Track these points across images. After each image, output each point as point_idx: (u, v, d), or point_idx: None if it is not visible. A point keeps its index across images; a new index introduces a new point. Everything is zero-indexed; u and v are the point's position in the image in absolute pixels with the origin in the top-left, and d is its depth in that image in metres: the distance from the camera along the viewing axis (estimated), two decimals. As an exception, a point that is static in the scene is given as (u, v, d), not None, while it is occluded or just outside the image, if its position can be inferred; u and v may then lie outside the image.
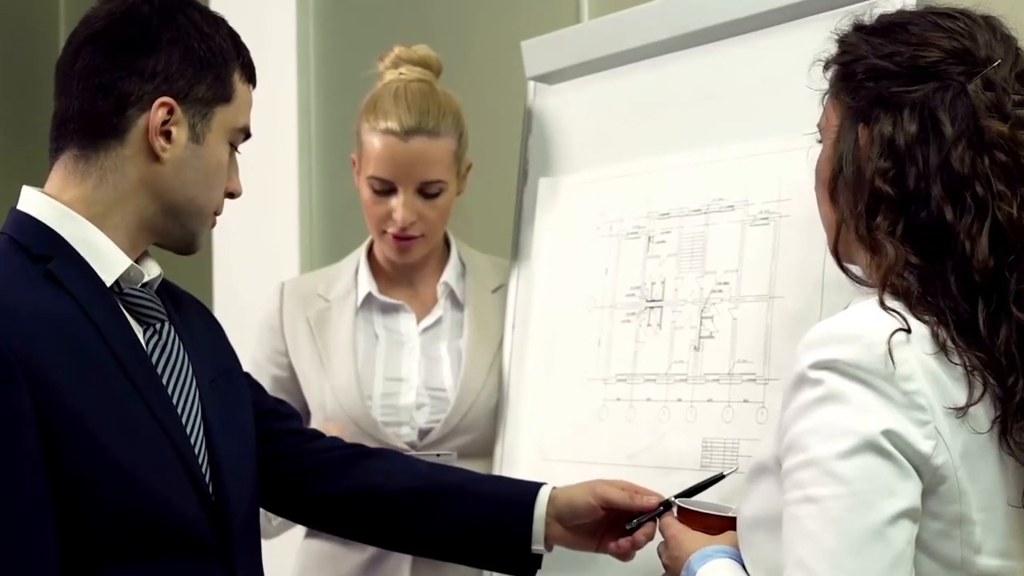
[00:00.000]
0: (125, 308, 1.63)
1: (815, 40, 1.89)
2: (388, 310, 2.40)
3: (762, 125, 1.98)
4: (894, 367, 1.34)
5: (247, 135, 1.73)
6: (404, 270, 2.40)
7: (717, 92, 2.06)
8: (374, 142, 2.27)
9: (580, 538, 1.92)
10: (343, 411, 2.30)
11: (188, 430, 1.63)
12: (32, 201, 1.63)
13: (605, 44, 2.24)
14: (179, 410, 1.63)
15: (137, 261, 1.66)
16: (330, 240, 3.51)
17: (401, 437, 2.30)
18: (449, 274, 2.41)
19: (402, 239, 2.31)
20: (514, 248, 2.39)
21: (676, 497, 1.81)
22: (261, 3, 3.45)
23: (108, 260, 1.61)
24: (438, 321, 2.40)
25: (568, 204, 2.29)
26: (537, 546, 1.91)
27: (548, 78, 2.36)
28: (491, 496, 1.95)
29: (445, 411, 2.32)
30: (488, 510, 1.93)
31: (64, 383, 1.50)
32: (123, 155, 1.63)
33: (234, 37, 1.71)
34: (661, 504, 1.83)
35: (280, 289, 2.46)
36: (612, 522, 1.89)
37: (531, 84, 2.40)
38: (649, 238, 2.11)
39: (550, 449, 2.20)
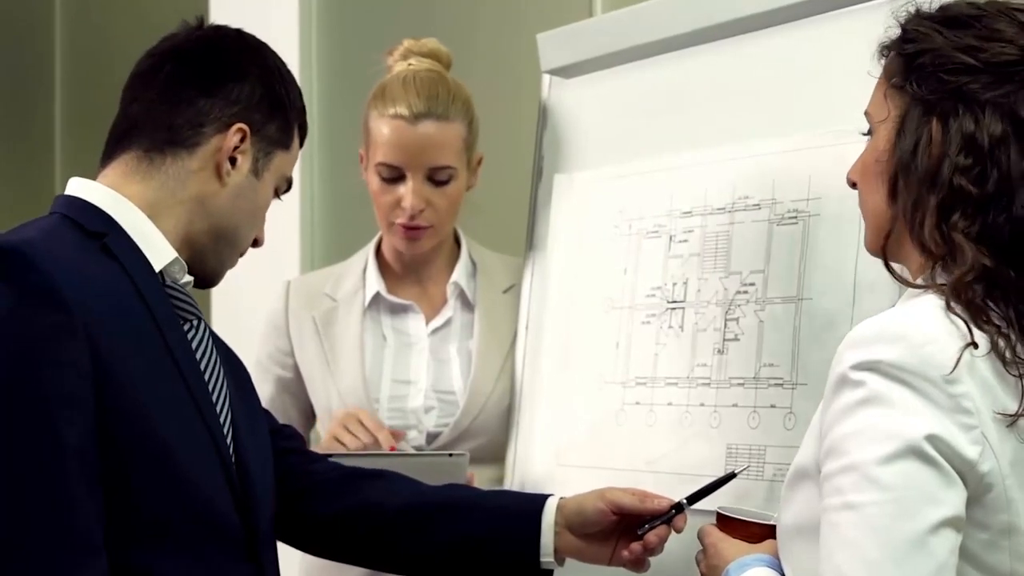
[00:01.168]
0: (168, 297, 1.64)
1: (845, 34, 1.86)
2: (396, 310, 2.33)
3: (789, 121, 1.92)
4: (940, 368, 1.29)
5: (288, 187, 1.77)
6: (413, 268, 2.33)
7: (742, 87, 2.00)
8: (382, 128, 2.21)
9: (592, 548, 1.84)
10: (349, 414, 2.24)
11: (221, 420, 1.62)
12: (84, 188, 1.64)
13: (624, 37, 2.18)
14: (214, 398, 1.63)
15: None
16: (332, 239, 3.45)
17: (409, 441, 2.23)
18: (459, 274, 2.34)
19: (411, 229, 2.24)
20: (528, 247, 2.32)
21: (687, 499, 1.77)
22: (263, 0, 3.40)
23: (157, 248, 1.63)
24: (448, 322, 2.33)
25: (584, 201, 2.22)
26: (547, 559, 1.83)
27: (564, 72, 2.29)
28: (495, 509, 1.88)
29: (454, 414, 2.26)
30: (492, 524, 1.86)
31: (119, 354, 1.50)
32: (189, 167, 1.65)
33: (301, 94, 1.77)
34: (673, 507, 1.78)
35: (286, 288, 2.39)
36: (624, 530, 1.82)
37: (546, 78, 2.33)
38: (670, 237, 2.05)
39: (566, 454, 2.13)
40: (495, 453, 2.27)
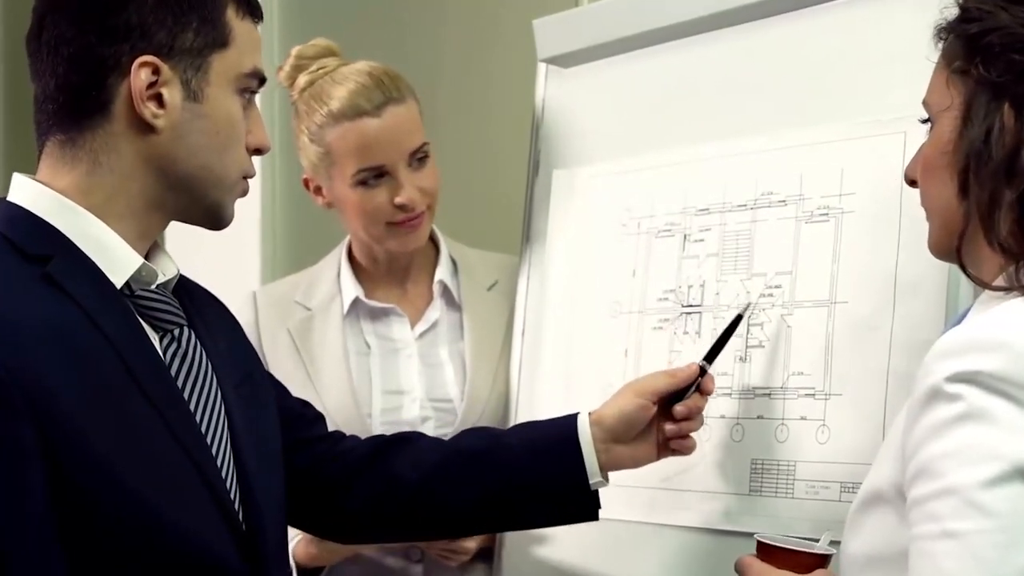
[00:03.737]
0: (138, 313, 1.42)
1: (880, 17, 1.73)
2: (378, 315, 2.18)
3: (818, 111, 1.79)
4: None
5: (261, 80, 1.49)
6: (392, 270, 2.18)
7: (764, 75, 1.86)
8: (346, 133, 2.04)
9: (639, 449, 1.75)
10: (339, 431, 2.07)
11: (214, 450, 1.41)
12: (24, 191, 1.42)
13: (629, 23, 2.03)
14: (203, 428, 1.41)
15: (149, 257, 1.46)
16: (295, 244, 3.27)
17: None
18: (443, 272, 2.19)
19: (412, 220, 2.08)
20: (524, 247, 2.17)
21: (705, 359, 1.73)
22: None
23: (117, 258, 1.40)
24: (434, 324, 2.18)
25: (587, 199, 2.08)
26: (595, 479, 1.73)
27: (562, 60, 2.14)
28: (527, 448, 1.76)
29: (452, 423, 2.11)
30: (529, 464, 1.74)
31: (73, 408, 1.28)
32: (112, 132, 1.41)
33: None
34: (699, 368, 1.73)
35: (252, 299, 2.22)
36: (658, 419, 1.75)
37: (542, 67, 2.18)
38: (685, 236, 1.90)
39: (571, 470, 1.98)
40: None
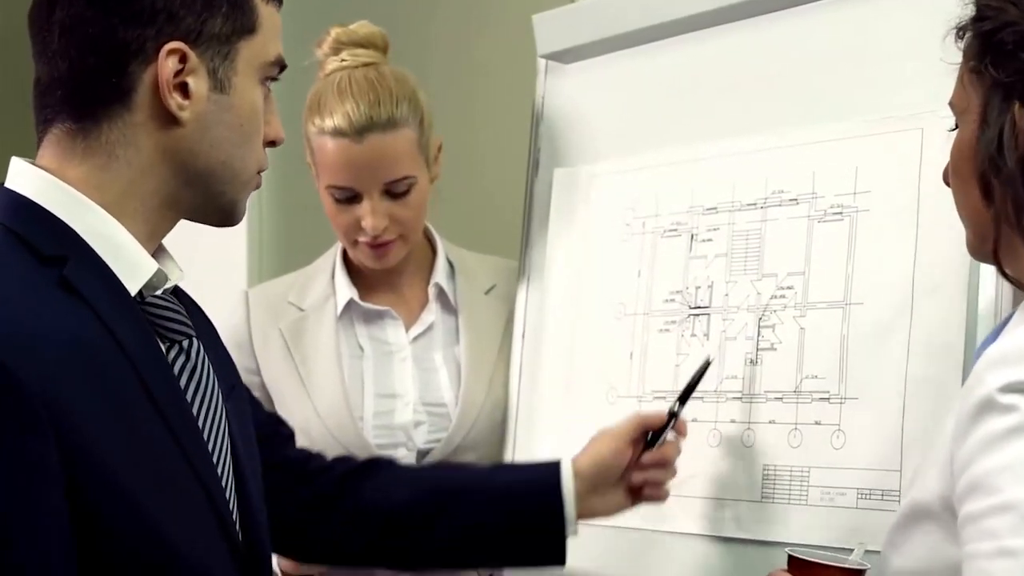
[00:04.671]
0: (148, 322, 1.31)
1: (893, 10, 1.68)
2: (372, 318, 2.12)
3: (831, 108, 1.74)
4: None
5: (282, 68, 1.39)
6: (386, 272, 2.12)
7: (773, 71, 1.81)
8: (326, 147, 1.98)
9: (612, 499, 1.74)
10: (331, 435, 2.01)
11: (219, 470, 1.33)
12: (28, 180, 1.28)
13: (632, 17, 1.98)
14: (210, 447, 1.32)
15: (155, 259, 1.35)
16: (283, 245, 3.21)
17: (398, 460, 2.02)
18: (439, 275, 2.14)
19: (377, 246, 2.03)
20: (524, 247, 2.11)
21: (679, 402, 1.72)
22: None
23: (132, 263, 1.28)
24: (430, 328, 2.13)
25: (589, 198, 2.03)
26: (571, 529, 1.72)
27: (562, 56, 2.09)
28: (504, 492, 1.74)
29: (446, 428, 2.05)
30: (505, 510, 1.72)
31: (92, 427, 1.18)
32: (132, 123, 1.28)
33: None
34: (670, 412, 1.73)
35: (244, 299, 2.16)
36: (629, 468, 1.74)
37: (541, 62, 2.13)
38: (692, 236, 1.86)
39: (574, 475, 1.93)
40: (489, 469, 2.08)
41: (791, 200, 1.75)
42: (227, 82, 1.31)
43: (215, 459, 1.32)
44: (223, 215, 1.37)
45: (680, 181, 1.89)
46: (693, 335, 1.83)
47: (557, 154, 2.10)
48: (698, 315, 1.82)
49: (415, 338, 2.11)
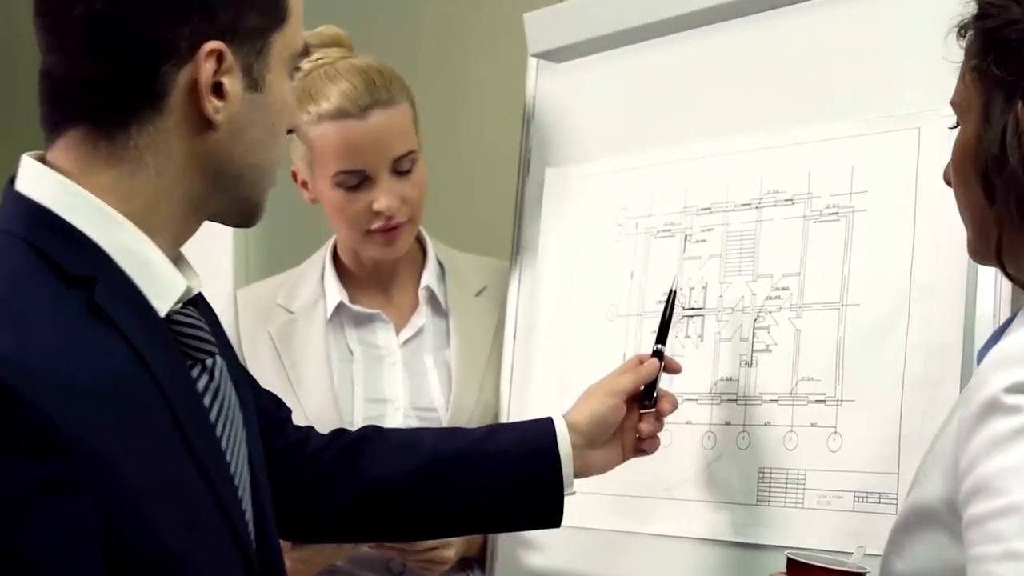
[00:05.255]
0: (175, 343, 1.24)
1: (893, 6, 1.67)
2: (362, 321, 2.10)
3: (826, 106, 1.72)
4: None
5: (306, 52, 1.32)
6: (377, 274, 2.10)
7: (768, 69, 1.79)
8: (327, 133, 1.96)
9: (607, 453, 1.71)
10: (320, 440, 1.99)
11: (239, 495, 1.26)
12: (49, 188, 1.18)
13: (625, 16, 1.96)
14: (231, 470, 1.25)
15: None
16: (268, 246, 3.18)
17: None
18: (429, 277, 2.12)
19: (390, 230, 2.00)
20: (515, 248, 2.09)
21: (657, 342, 1.72)
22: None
23: (162, 282, 1.20)
24: (420, 331, 2.10)
25: (581, 198, 2.01)
26: (569, 489, 1.68)
27: (554, 55, 2.07)
28: (501, 455, 1.69)
29: (437, 433, 2.02)
30: (508, 470, 1.68)
31: (129, 476, 1.10)
32: (163, 128, 1.19)
33: None
34: (658, 354, 1.72)
35: (232, 300, 2.13)
36: (625, 420, 1.71)
37: (532, 61, 2.11)
38: (686, 236, 1.84)
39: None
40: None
41: (786, 200, 1.73)
42: (261, 80, 1.23)
43: (238, 488, 1.26)
44: (247, 216, 1.30)
45: (673, 181, 1.87)
46: (687, 337, 1.81)
47: (548, 154, 2.08)
48: (692, 316, 1.81)
49: (405, 342, 2.09)
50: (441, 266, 2.15)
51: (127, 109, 1.18)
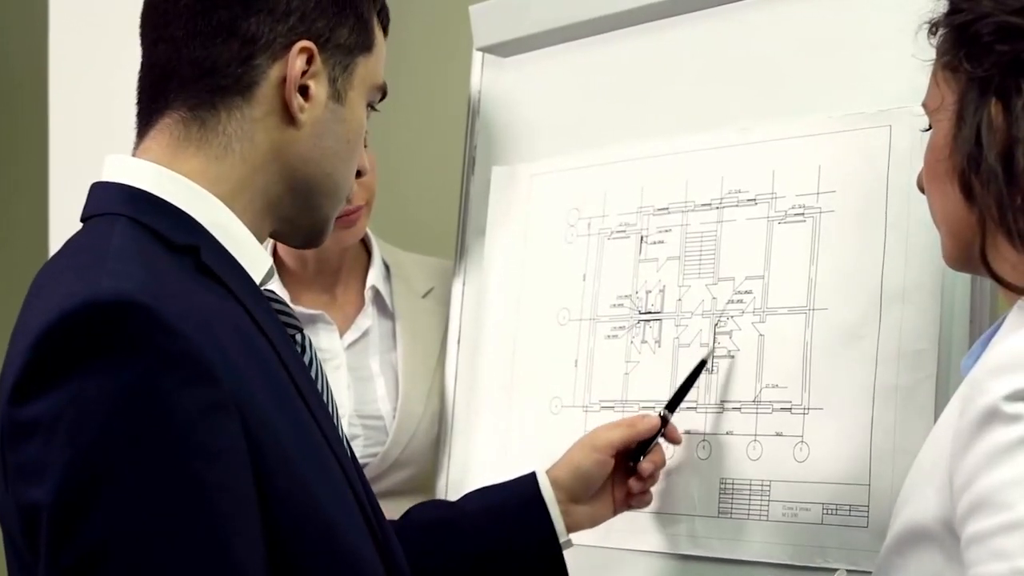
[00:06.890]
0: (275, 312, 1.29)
1: (862, 1, 1.61)
2: (304, 322, 1.99)
3: (791, 103, 1.66)
4: None
5: (383, 95, 1.37)
6: (320, 273, 2.02)
7: (728, 64, 1.73)
8: None
9: (595, 508, 1.64)
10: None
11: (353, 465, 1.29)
12: (143, 173, 1.24)
13: (575, 10, 1.88)
14: (340, 435, 1.29)
15: None
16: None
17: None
18: (375, 276, 2.03)
19: (349, 214, 1.93)
20: (459, 250, 2.01)
21: (667, 408, 1.62)
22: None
23: (253, 255, 1.26)
24: (366, 333, 2.03)
25: (529, 198, 1.93)
26: (563, 539, 1.60)
27: (501, 49, 2.00)
28: (484, 513, 1.61)
29: (382, 442, 1.96)
30: (490, 529, 1.60)
31: (268, 414, 1.15)
32: (252, 117, 1.25)
33: None
34: (661, 419, 1.62)
35: None
36: (614, 471, 1.63)
37: (478, 56, 2.03)
38: (642, 238, 1.77)
39: (516, 490, 1.83)
40: (424, 483, 1.99)
41: (749, 200, 1.67)
42: (343, 94, 1.30)
43: (345, 445, 1.29)
44: (311, 233, 1.34)
45: (628, 180, 1.80)
46: (644, 342, 1.74)
47: (495, 152, 2.00)
48: (648, 321, 1.74)
49: (350, 344, 2.01)
50: (387, 266, 2.07)
51: (220, 95, 1.24)
